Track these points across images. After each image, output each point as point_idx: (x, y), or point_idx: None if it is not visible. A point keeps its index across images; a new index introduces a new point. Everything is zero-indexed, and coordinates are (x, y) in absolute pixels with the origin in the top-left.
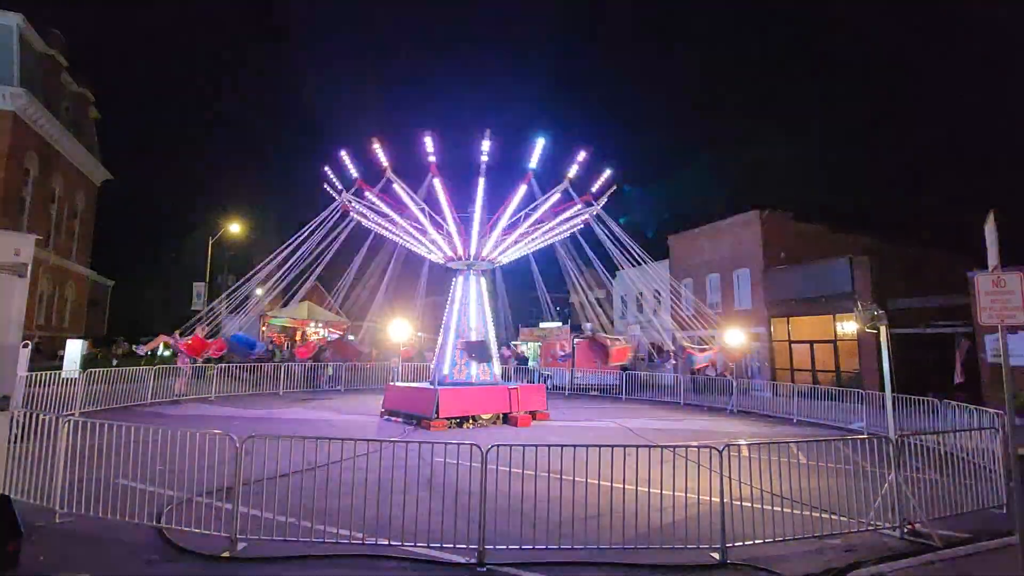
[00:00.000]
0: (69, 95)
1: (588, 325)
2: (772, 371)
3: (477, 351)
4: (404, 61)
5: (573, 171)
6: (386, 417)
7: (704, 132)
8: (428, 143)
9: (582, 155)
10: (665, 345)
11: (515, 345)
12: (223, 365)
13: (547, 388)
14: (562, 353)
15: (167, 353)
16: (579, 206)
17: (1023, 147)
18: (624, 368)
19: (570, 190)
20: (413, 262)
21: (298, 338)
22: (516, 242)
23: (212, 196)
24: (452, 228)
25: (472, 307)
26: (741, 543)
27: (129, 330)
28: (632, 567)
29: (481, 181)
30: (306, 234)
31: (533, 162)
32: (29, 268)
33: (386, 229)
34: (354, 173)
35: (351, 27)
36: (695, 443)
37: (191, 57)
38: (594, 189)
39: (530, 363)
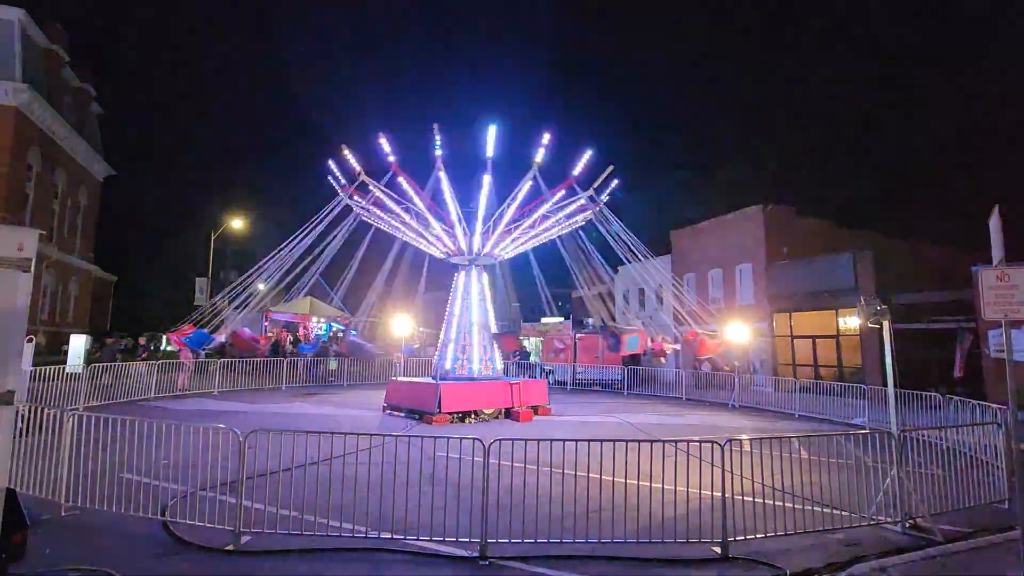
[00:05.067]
0: (71, 90)
1: (590, 321)
2: (774, 366)
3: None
4: (406, 58)
5: (579, 169)
6: (388, 412)
7: (704, 129)
8: (436, 135)
9: (588, 153)
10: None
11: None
12: (225, 360)
13: (549, 383)
14: (560, 346)
15: (170, 348)
16: (582, 201)
17: None
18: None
19: (575, 187)
20: (415, 257)
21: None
22: (518, 238)
23: (214, 191)
24: (457, 224)
25: (474, 302)
26: (742, 538)
27: (132, 325)
28: (634, 561)
29: (487, 177)
30: (308, 229)
31: (538, 157)
32: (33, 263)
33: (388, 224)
34: (357, 167)
35: (354, 19)
36: (697, 438)
37: (192, 52)
38: (596, 184)
39: (532, 358)
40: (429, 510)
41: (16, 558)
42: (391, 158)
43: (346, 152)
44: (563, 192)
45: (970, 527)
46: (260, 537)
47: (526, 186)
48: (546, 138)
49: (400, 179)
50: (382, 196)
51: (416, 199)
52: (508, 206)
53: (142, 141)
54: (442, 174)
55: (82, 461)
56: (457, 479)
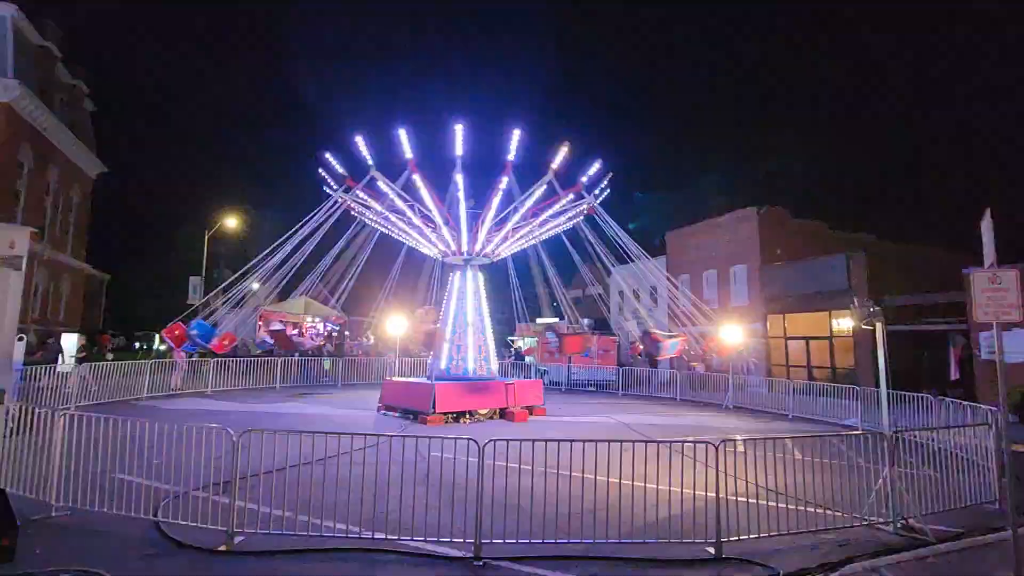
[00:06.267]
0: (64, 87)
1: (586, 321)
2: (768, 367)
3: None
4: (404, 54)
5: (557, 162)
6: (383, 412)
7: (702, 131)
8: (403, 139)
9: (565, 146)
10: (632, 335)
11: (512, 340)
12: (219, 360)
13: (544, 383)
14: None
15: (163, 347)
16: (571, 196)
17: (1020, 144)
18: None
19: (554, 182)
20: (412, 257)
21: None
22: (513, 237)
23: (208, 190)
24: (462, 224)
25: (469, 302)
26: (736, 538)
27: (125, 324)
28: (627, 561)
29: (503, 177)
30: (304, 227)
31: (511, 154)
32: (24, 261)
33: (384, 224)
34: (367, 161)
35: (350, 18)
36: (691, 438)
37: (186, 49)
38: (585, 179)
39: (527, 358)
40: (423, 510)
41: (6, 558)
42: (408, 155)
43: (360, 144)
44: (568, 196)
45: (961, 527)
46: (253, 537)
47: (539, 191)
48: (564, 147)
49: (415, 176)
50: (380, 196)
51: (428, 199)
52: (515, 210)
53: (135, 139)
54: (459, 177)
55: (73, 461)
56: (451, 479)
